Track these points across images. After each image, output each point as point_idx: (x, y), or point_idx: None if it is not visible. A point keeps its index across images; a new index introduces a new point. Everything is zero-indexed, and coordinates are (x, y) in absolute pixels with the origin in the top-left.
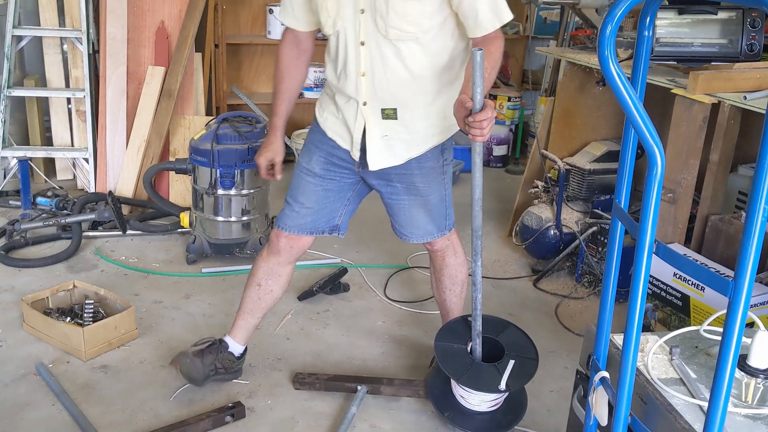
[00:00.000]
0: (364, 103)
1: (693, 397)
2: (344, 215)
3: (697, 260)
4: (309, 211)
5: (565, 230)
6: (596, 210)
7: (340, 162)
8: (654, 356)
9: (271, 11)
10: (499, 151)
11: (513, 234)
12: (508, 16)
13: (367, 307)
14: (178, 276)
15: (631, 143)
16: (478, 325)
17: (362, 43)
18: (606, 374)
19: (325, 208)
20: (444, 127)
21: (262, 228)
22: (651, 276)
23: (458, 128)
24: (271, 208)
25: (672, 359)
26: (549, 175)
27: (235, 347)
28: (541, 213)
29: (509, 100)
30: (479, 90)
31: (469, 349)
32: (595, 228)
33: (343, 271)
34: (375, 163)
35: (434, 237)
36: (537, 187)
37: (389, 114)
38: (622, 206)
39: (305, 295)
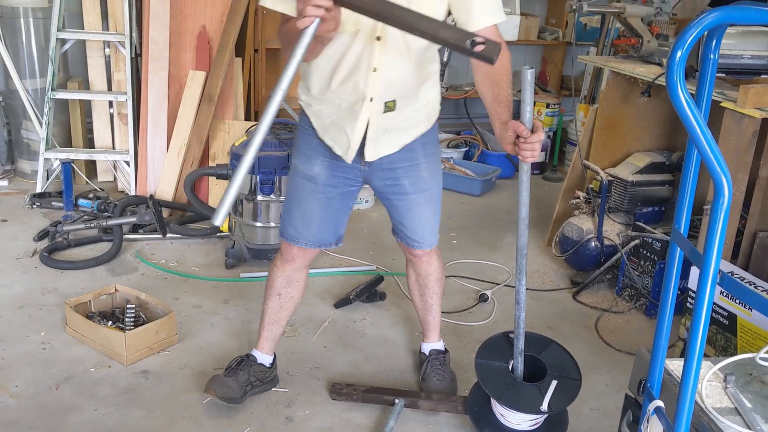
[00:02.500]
0: (371, 99)
1: (749, 428)
2: (346, 224)
3: (744, 278)
4: (312, 223)
5: (606, 242)
6: (639, 222)
7: (345, 166)
8: (708, 384)
9: None
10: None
11: (552, 244)
12: (500, 16)
13: (404, 317)
14: (217, 280)
15: (693, 166)
16: (520, 344)
17: (378, 38)
18: (661, 404)
19: (329, 218)
20: (428, 112)
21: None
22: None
23: (437, 116)
24: None
25: (726, 387)
26: (590, 185)
27: (264, 358)
28: (582, 224)
29: (547, 106)
30: (529, 109)
31: (510, 367)
32: (637, 241)
33: (380, 279)
34: (371, 154)
35: (436, 240)
36: (578, 197)
37: (390, 106)
38: (682, 231)
39: (342, 303)
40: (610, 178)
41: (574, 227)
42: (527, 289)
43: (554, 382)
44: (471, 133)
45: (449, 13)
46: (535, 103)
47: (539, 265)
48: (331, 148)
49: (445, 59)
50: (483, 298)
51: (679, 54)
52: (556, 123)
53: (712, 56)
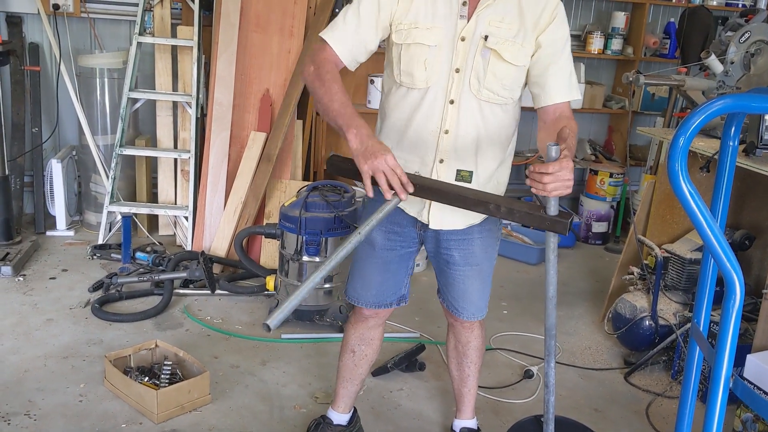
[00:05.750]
0: (441, 161)
1: None
2: (408, 284)
3: None
4: (372, 285)
5: (661, 322)
6: None
7: (401, 230)
8: None
9: (372, 81)
10: (599, 227)
11: (605, 320)
12: (575, 94)
13: (442, 389)
14: (257, 340)
15: (711, 264)
16: (549, 430)
17: (451, 102)
18: None
19: (387, 281)
20: (498, 193)
21: (344, 296)
22: (751, 383)
23: None
24: None
25: None
26: (646, 261)
27: (341, 417)
28: (636, 301)
29: (611, 176)
30: None
31: None
32: None
33: (421, 347)
34: (437, 222)
35: (483, 314)
36: (632, 273)
37: (464, 176)
38: (701, 327)
39: (379, 371)
40: (666, 254)
41: (627, 304)
42: (577, 366)
43: None
44: (531, 200)
45: (525, 85)
46: (598, 172)
47: (591, 342)
48: (404, 209)
49: None
50: (528, 375)
51: (681, 140)
52: (620, 193)
53: (731, 143)
